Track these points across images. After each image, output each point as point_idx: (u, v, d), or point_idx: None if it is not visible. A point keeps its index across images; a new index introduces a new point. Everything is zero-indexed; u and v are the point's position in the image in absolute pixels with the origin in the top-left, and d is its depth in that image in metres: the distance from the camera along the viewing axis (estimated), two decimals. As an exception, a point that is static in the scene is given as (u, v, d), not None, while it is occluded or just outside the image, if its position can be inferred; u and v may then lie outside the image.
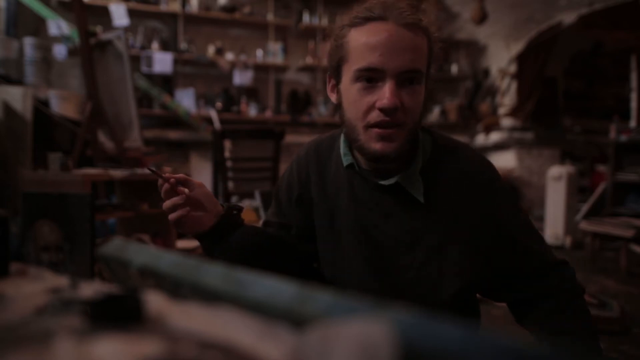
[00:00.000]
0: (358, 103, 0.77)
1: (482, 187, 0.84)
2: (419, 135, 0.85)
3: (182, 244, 2.77)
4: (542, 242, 0.88)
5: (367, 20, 0.76)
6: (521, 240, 0.85)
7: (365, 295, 0.87)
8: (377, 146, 0.77)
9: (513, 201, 0.88)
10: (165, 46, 4.56)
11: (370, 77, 0.75)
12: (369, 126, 0.77)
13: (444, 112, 5.46)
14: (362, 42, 0.76)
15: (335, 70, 0.82)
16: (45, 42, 3.21)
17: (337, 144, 0.93)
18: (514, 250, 0.85)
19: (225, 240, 0.86)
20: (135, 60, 4.06)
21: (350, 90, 0.78)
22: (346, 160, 0.87)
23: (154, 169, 0.82)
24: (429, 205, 0.83)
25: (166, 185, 0.81)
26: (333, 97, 0.86)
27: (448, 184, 0.84)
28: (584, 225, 3.18)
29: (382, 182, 0.84)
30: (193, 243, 2.87)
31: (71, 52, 3.34)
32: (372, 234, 0.87)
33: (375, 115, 0.76)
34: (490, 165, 0.88)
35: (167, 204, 0.81)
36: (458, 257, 0.83)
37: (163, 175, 0.81)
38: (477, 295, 0.96)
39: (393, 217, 0.85)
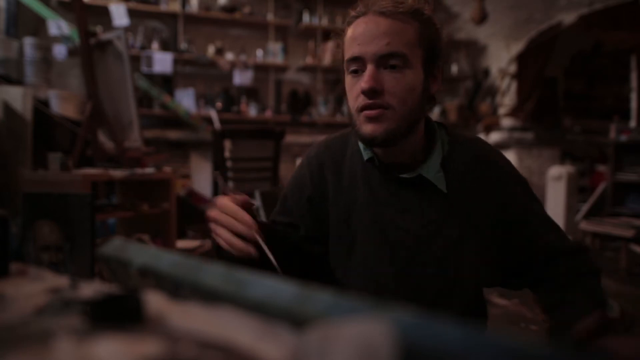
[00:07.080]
0: (350, 92, 0.83)
1: (496, 176, 0.88)
2: (435, 128, 0.89)
3: (182, 244, 2.77)
4: (556, 228, 0.89)
5: (355, 17, 0.84)
6: (535, 227, 0.87)
7: (381, 295, 0.84)
8: (367, 128, 0.81)
9: (526, 189, 0.91)
10: (165, 46, 4.55)
11: (355, 67, 0.81)
12: (359, 110, 0.81)
13: (444, 112, 5.46)
14: (348, 36, 0.83)
15: (342, 68, 0.89)
16: (45, 42, 3.21)
17: (350, 143, 0.95)
18: (528, 238, 0.86)
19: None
20: (135, 60, 4.06)
21: (346, 82, 0.85)
22: (366, 154, 0.89)
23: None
24: (449, 196, 0.85)
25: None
26: None
27: (465, 175, 0.87)
28: (584, 225, 3.18)
29: (403, 176, 0.85)
30: (193, 243, 2.87)
31: (71, 52, 3.34)
32: (389, 232, 0.87)
33: (361, 99, 0.81)
34: (502, 156, 0.92)
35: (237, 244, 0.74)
36: (474, 251, 0.85)
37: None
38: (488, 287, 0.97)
39: (412, 211, 0.86)
